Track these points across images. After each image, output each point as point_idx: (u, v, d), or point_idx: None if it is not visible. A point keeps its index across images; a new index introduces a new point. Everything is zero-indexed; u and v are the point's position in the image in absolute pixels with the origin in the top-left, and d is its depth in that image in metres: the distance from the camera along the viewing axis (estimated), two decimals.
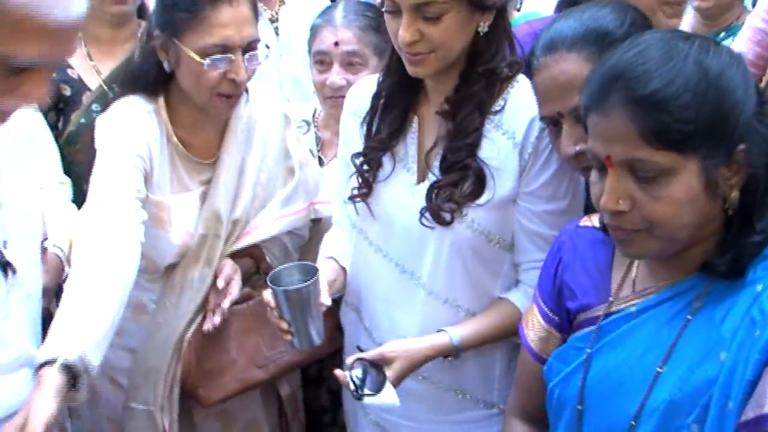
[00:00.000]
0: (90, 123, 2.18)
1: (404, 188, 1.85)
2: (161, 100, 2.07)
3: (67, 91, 2.65)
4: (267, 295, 1.82)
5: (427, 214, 1.79)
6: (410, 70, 1.76)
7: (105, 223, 1.87)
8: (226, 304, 2.04)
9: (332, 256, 2.00)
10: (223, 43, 1.94)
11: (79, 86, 2.65)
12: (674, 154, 1.26)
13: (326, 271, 1.92)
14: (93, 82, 2.65)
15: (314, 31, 2.44)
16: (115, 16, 2.67)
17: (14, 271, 1.61)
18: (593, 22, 1.63)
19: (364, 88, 1.97)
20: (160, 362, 2.06)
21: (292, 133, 2.26)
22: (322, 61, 2.41)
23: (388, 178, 1.87)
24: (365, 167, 1.90)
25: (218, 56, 1.95)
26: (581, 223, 1.58)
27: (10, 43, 1.30)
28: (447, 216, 1.77)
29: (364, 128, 1.91)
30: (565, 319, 1.56)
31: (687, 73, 1.26)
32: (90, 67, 2.68)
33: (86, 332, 1.64)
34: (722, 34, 2.84)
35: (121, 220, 1.88)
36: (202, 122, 2.08)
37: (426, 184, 1.82)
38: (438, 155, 1.81)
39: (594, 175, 1.36)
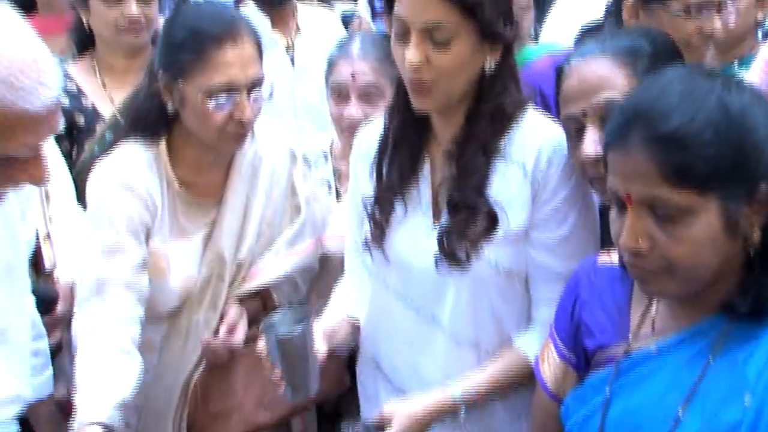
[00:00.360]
0: (103, 152, 2.16)
1: (419, 231, 1.79)
2: (162, 145, 2.03)
3: (81, 120, 2.65)
4: (261, 344, 1.76)
5: (443, 258, 1.74)
6: (415, 101, 1.71)
7: (105, 333, 1.88)
8: (217, 340, 2.01)
9: (339, 307, 1.94)
10: (228, 83, 1.91)
11: (93, 115, 2.65)
12: (694, 193, 1.23)
13: (329, 321, 1.87)
14: (107, 110, 2.64)
15: (331, 63, 2.41)
16: (129, 46, 2.67)
17: None
18: (626, 38, 1.70)
19: (373, 131, 1.92)
20: (167, 405, 2.04)
21: (298, 169, 2.22)
22: (339, 93, 2.37)
23: (402, 221, 1.82)
24: (377, 212, 1.84)
25: (223, 97, 1.92)
26: (599, 260, 1.55)
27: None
28: (462, 256, 1.72)
29: (374, 170, 1.86)
30: (582, 358, 1.52)
31: (708, 111, 1.24)
32: (104, 96, 2.68)
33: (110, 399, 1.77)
34: (736, 66, 2.81)
35: (121, 325, 1.89)
36: (207, 162, 2.05)
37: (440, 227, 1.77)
38: (445, 196, 1.76)
39: (613, 213, 1.33)
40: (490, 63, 1.69)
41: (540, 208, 1.72)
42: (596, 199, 1.81)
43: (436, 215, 1.79)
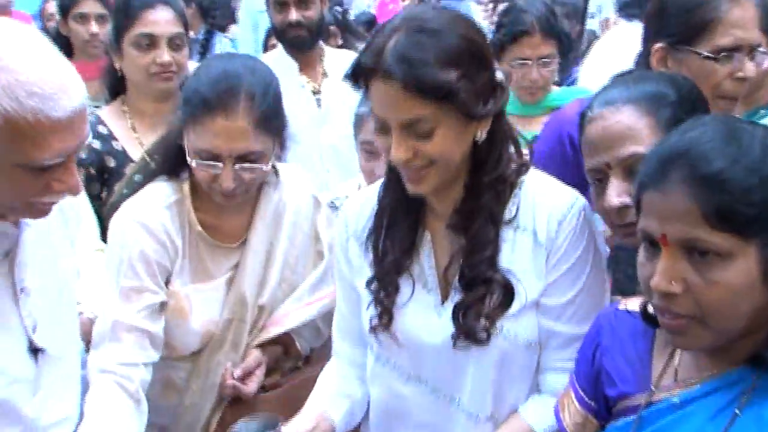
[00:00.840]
0: (132, 193, 2.17)
1: (429, 310, 1.67)
2: (186, 187, 2.02)
3: (112, 163, 2.66)
4: None
5: (461, 336, 1.62)
6: (410, 188, 1.60)
7: (115, 376, 1.89)
8: (229, 384, 1.99)
9: (318, 403, 1.80)
10: (209, 151, 1.89)
11: (123, 158, 2.66)
12: (735, 237, 1.18)
13: (305, 421, 1.74)
14: (136, 153, 2.64)
15: (360, 120, 2.35)
16: (160, 91, 2.68)
17: (43, 352, 1.64)
18: (651, 84, 1.64)
19: (358, 204, 1.79)
20: None
21: (322, 216, 2.19)
22: (369, 150, 2.31)
23: (409, 301, 1.68)
24: (382, 293, 1.69)
25: (205, 162, 1.91)
26: (620, 307, 1.49)
27: (28, 150, 1.44)
28: (482, 333, 1.60)
29: (369, 251, 1.72)
30: (602, 406, 1.46)
31: (753, 155, 1.20)
32: (134, 139, 2.69)
33: None
34: (761, 112, 2.77)
35: (131, 368, 1.90)
36: (229, 206, 2.04)
37: (452, 304, 1.64)
38: (457, 272, 1.64)
39: (642, 255, 1.28)
40: (481, 134, 1.58)
41: (549, 274, 1.63)
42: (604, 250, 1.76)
43: (444, 291, 1.66)
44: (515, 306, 1.62)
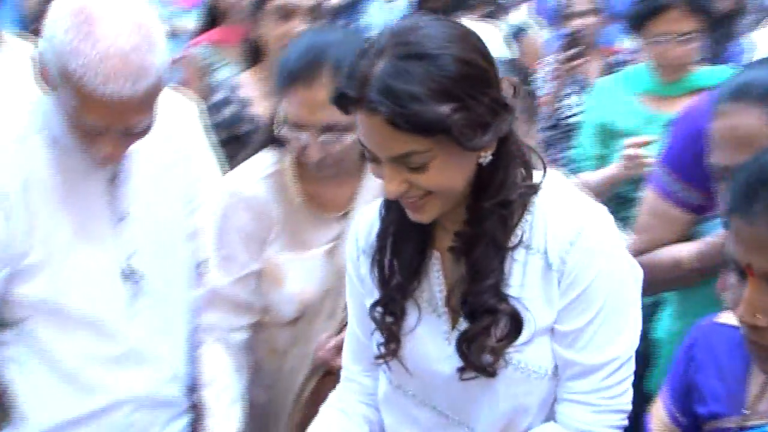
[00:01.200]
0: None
1: (438, 336, 1.50)
2: (289, 157, 2.02)
3: (247, 127, 2.71)
4: None
5: (467, 368, 1.45)
6: (411, 216, 1.44)
7: (218, 338, 1.96)
8: (323, 354, 1.98)
9: None
10: (294, 121, 1.87)
11: (258, 124, 2.70)
12: None
13: None
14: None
15: None
16: None
17: (140, 278, 1.70)
18: None
19: (369, 217, 1.61)
20: (282, 409, 2.02)
21: None
22: None
23: (417, 326, 1.51)
24: (388, 318, 1.52)
25: (292, 132, 1.88)
26: (719, 320, 1.36)
27: (75, 104, 1.51)
28: (490, 366, 1.43)
29: (376, 271, 1.54)
30: (692, 424, 1.34)
31: None
32: (268, 107, 2.72)
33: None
34: None
35: (229, 332, 1.98)
36: (331, 176, 2.02)
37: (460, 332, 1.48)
38: (460, 299, 1.46)
39: (732, 278, 1.16)
40: (485, 156, 1.38)
41: (561, 299, 1.44)
42: None
43: (453, 317, 1.49)
44: (525, 335, 1.43)
